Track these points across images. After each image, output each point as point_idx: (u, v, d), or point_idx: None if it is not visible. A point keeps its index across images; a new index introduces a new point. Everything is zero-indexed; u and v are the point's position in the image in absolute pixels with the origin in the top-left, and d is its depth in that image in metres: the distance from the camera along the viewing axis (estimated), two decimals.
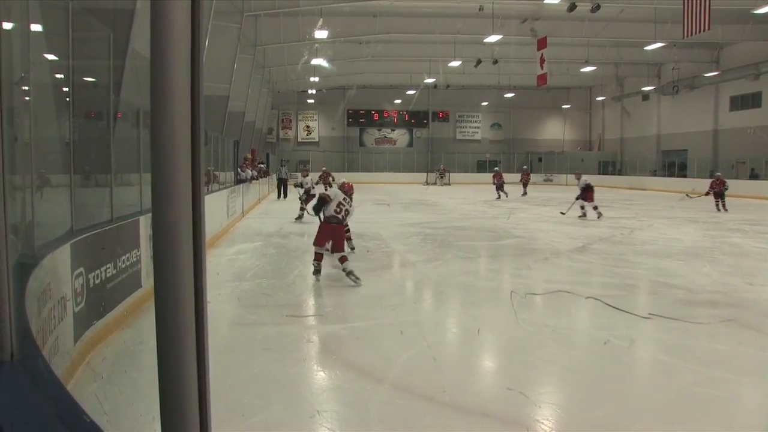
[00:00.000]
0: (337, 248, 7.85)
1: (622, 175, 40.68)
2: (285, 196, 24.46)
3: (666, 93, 35.66)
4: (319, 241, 7.96)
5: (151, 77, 1.07)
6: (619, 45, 30.59)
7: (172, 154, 1.07)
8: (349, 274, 7.61)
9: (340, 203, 8.02)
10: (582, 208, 16.65)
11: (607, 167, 43.58)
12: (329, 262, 8.44)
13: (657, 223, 15.61)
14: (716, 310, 6.67)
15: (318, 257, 7.99)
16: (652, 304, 6.84)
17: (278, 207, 21.17)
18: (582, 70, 32.49)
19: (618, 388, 4.42)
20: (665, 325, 5.97)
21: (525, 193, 27.69)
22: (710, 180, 20.61)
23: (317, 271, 7.97)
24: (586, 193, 16.67)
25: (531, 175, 29.66)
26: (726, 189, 19.62)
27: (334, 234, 7.87)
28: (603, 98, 44.55)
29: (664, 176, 35.63)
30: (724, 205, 19.27)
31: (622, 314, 6.33)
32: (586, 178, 17.32)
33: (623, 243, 11.93)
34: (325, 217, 8.04)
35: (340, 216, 7.96)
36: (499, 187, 25.89)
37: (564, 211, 17.33)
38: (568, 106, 47.48)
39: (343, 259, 7.75)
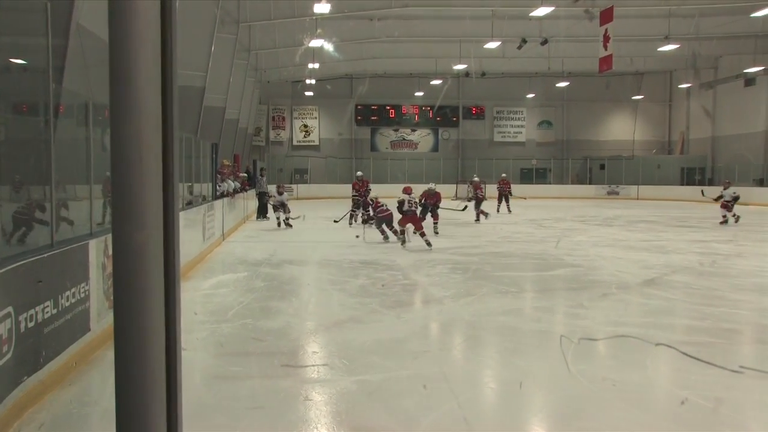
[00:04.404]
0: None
1: (713, 185, 39.88)
2: (266, 215, 23.89)
3: None
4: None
5: (110, 62, 1.07)
6: (713, 13, 29.20)
7: (139, 162, 1.06)
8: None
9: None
10: (723, 216, 21.48)
11: (693, 175, 42.60)
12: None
13: (764, 249, 15.46)
14: None
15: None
16: (758, 356, 6.73)
17: (268, 226, 21.24)
18: (660, 49, 31.49)
19: None
20: (764, 383, 5.88)
21: (498, 210, 26.99)
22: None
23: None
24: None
25: (510, 184, 28.04)
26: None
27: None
28: (688, 85, 43.19)
29: None
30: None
31: (710, 368, 6.24)
32: (735, 189, 21.88)
33: (717, 274, 11.81)
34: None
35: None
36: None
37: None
38: (641, 97, 46.98)
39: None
